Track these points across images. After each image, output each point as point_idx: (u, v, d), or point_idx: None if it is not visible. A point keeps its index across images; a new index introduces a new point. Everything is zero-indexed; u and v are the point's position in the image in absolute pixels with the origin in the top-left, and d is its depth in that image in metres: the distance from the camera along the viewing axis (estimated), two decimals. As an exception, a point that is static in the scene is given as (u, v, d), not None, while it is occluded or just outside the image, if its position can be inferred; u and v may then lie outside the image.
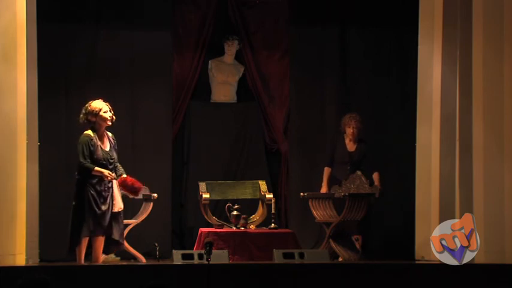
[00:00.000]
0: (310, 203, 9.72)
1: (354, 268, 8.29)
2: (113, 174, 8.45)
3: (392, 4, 10.59)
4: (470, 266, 7.93)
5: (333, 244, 9.49)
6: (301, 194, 9.78)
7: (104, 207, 8.40)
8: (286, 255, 8.48)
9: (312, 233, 10.34)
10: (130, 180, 8.54)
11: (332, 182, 9.91)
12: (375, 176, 9.91)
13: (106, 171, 8.39)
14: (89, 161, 8.39)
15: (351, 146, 10.04)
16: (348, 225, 9.63)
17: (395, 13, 10.55)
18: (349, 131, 9.98)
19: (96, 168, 8.38)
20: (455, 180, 8.96)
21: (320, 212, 9.71)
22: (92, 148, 8.43)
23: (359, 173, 9.74)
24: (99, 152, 8.46)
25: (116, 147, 8.66)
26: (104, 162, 8.47)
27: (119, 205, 8.55)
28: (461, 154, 8.92)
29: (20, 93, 8.59)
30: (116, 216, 8.51)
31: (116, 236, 8.48)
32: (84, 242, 8.39)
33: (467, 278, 7.83)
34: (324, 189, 9.95)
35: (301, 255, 8.50)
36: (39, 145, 9.21)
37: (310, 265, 8.18)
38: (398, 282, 7.84)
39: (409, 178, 9.68)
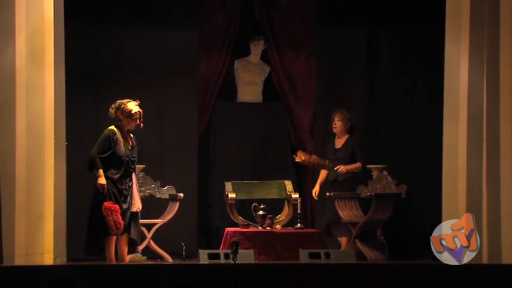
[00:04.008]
0: (336, 203, 9.71)
1: (380, 268, 8.26)
2: (105, 189, 8.31)
3: (419, 5, 10.55)
4: (498, 266, 7.87)
5: (359, 244, 9.48)
6: (328, 193, 9.77)
7: (124, 206, 8.41)
8: (312, 255, 8.46)
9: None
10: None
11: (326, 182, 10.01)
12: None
13: (103, 183, 8.28)
14: (101, 157, 8.35)
15: (338, 143, 10.03)
16: (374, 225, 9.62)
17: (422, 13, 10.50)
18: (335, 129, 9.98)
19: (101, 171, 8.32)
20: (482, 180, 8.90)
21: (346, 212, 9.70)
22: (112, 144, 8.44)
23: (385, 172, 9.74)
24: (122, 148, 8.47)
25: (136, 149, 8.66)
26: (126, 158, 8.47)
27: (137, 205, 8.56)
28: (489, 154, 8.86)
29: (47, 94, 8.64)
30: (133, 216, 8.52)
31: (133, 235, 8.50)
32: (112, 240, 8.40)
33: (495, 278, 7.79)
34: (315, 189, 10.03)
35: (328, 255, 8.48)
36: (66, 145, 9.26)
37: (336, 265, 8.16)
38: (424, 282, 7.80)
39: (435, 177, 9.64)
